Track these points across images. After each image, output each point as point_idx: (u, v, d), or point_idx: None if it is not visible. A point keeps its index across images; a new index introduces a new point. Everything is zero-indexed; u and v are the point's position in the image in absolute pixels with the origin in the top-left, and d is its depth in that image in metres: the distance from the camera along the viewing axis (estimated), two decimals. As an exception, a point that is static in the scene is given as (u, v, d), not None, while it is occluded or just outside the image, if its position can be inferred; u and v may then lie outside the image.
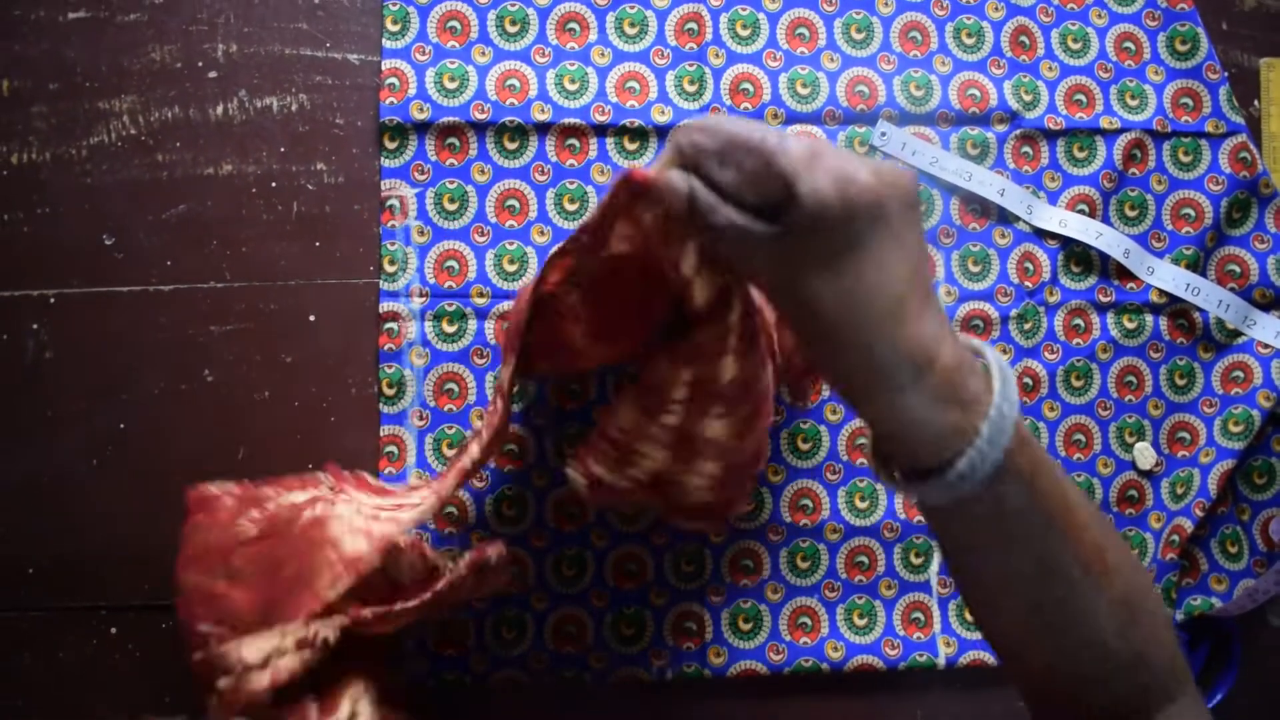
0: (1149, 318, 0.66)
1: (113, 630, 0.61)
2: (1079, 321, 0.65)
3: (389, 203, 0.62)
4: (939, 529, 0.40)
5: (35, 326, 0.61)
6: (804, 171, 0.34)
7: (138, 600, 0.61)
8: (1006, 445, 0.35)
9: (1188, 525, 0.63)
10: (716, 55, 0.64)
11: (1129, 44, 0.67)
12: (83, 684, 0.61)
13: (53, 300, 0.61)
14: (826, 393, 0.64)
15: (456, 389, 0.62)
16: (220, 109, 0.62)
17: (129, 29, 0.62)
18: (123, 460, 0.61)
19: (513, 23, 0.63)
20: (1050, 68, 0.66)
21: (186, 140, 0.62)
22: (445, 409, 0.62)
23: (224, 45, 0.63)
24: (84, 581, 0.61)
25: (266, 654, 0.46)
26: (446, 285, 0.62)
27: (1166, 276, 0.65)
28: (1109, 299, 0.65)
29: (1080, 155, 0.65)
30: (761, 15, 0.65)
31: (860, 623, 0.64)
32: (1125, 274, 0.65)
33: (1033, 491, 0.36)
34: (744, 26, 0.64)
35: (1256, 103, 0.68)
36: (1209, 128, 0.66)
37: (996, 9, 0.66)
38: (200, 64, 0.63)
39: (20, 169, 0.61)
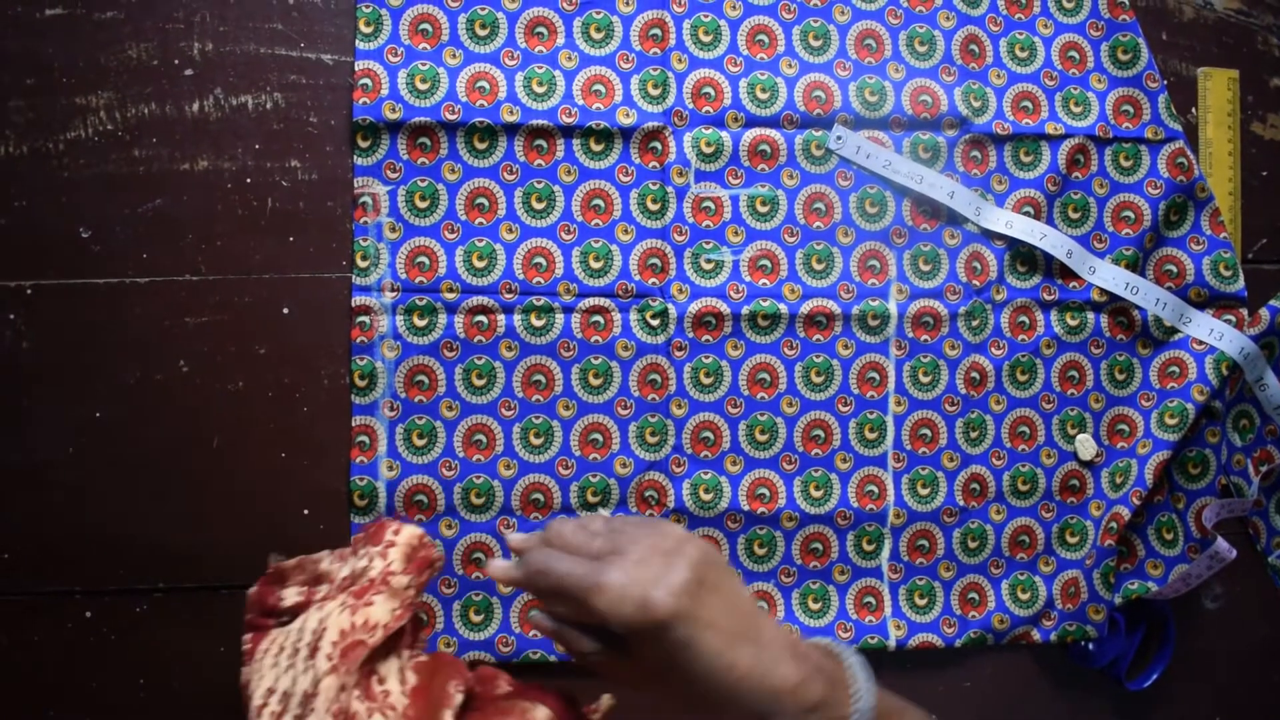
0: (1090, 315, 0.69)
1: (88, 614, 0.62)
2: (1024, 319, 0.68)
3: (361, 200, 0.64)
4: None
5: (12, 317, 0.62)
6: (613, 608, 0.40)
7: (113, 585, 0.62)
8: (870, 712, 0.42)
9: (1126, 513, 0.67)
10: (679, 60, 0.66)
11: (1073, 53, 0.70)
12: (58, 667, 0.62)
13: (30, 292, 0.63)
14: (784, 385, 0.66)
15: (426, 381, 0.64)
16: (196, 106, 0.64)
17: (106, 26, 0.64)
18: (98, 448, 0.62)
19: (482, 26, 0.65)
20: (999, 75, 0.69)
21: (163, 136, 0.64)
22: (415, 400, 0.64)
23: (200, 44, 0.64)
24: (59, 567, 0.62)
25: None
26: (417, 280, 0.64)
27: (1107, 276, 0.68)
28: (1053, 297, 0.68)
29: (1026, 160, 0.68)
30: (723, 22, 0.67)
31: (815, 606, 0.66)
32: (1068, 273, 0.68)
33: None
34: (706, 33, 0.67)
35: (1194, 110, 0.71)
36: (1149, 134, 0.69)
37: (948, 18, 0.69)
38: (176, 62, 0.64)
39: (-2, 163, 0.63)
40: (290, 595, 0.55)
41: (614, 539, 0.43)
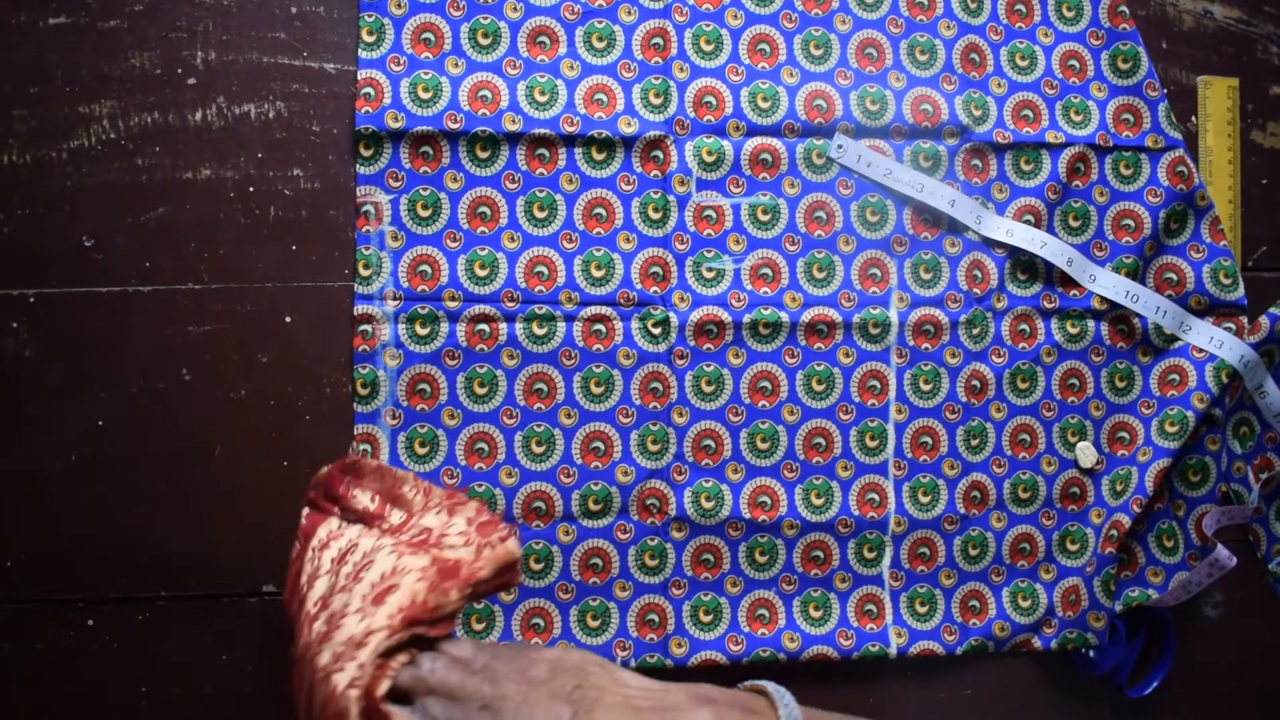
0: (1091, 323, 0.69)
1: (90, 622, 0.62)
2: (1025, 327, 0.68)
3: (364, 208, 0.64)
4: None
5: (15, 325, 0.62)
6: None
7: (115, 593, 0.62)
8: None
9: (1126, 521, 0.67)
10: (681, 69, 0.67)
11: (1074, 62, 0.70)
12: (61, 675, 0.62)
13: (33, 300, 0.63)
14: (785, 394, 0.67)
15: (428, 389, 0.64)
16: (199, 115, 0.64)
17: (109, 35, 0.64)
18: (101, 457, 0.62)
19: (485, 35, 0.66)
20: (999, 84, 0.69)
21: (166, 145, 0.64)
22: (417, 408, 0.64)
23: (203, 53, 0.64)
24: (62, 575, 0.62)
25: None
26: (419, 289, 0.64)
27: (1107, 284, 0.68)
28: (1053, 305, 0.69)
29: (1027, 168, 0.69)
30: (724, 31, 0.67)
31: (816, 614, 0.67)
32: (1068, 281, 0.69)
33: None
34: (707, 42, 0.67)
35: (1194, 119, 0.72)
36: (1149, 142, 0.70)
37: (948, 27, 0.69)
38: (179, 71, 0.64)
39: (1, 171, 0.63)
40: (362, 498, 0.53)
41: (491, 678, 0.45)
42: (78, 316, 0.63)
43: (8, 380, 0.62)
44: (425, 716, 0.44)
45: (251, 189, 0.64)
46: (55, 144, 0.63)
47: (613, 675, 0.46)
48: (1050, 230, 0.69)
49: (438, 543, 0.49)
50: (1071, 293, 0.69)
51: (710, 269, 0.66)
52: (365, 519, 0.52)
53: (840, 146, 0.67)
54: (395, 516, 0.52)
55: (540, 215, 0.65)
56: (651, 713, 0.44)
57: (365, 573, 0.47)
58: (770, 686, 0.47)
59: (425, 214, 0.65)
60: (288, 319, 0.64)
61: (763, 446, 0.66)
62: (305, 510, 0.54)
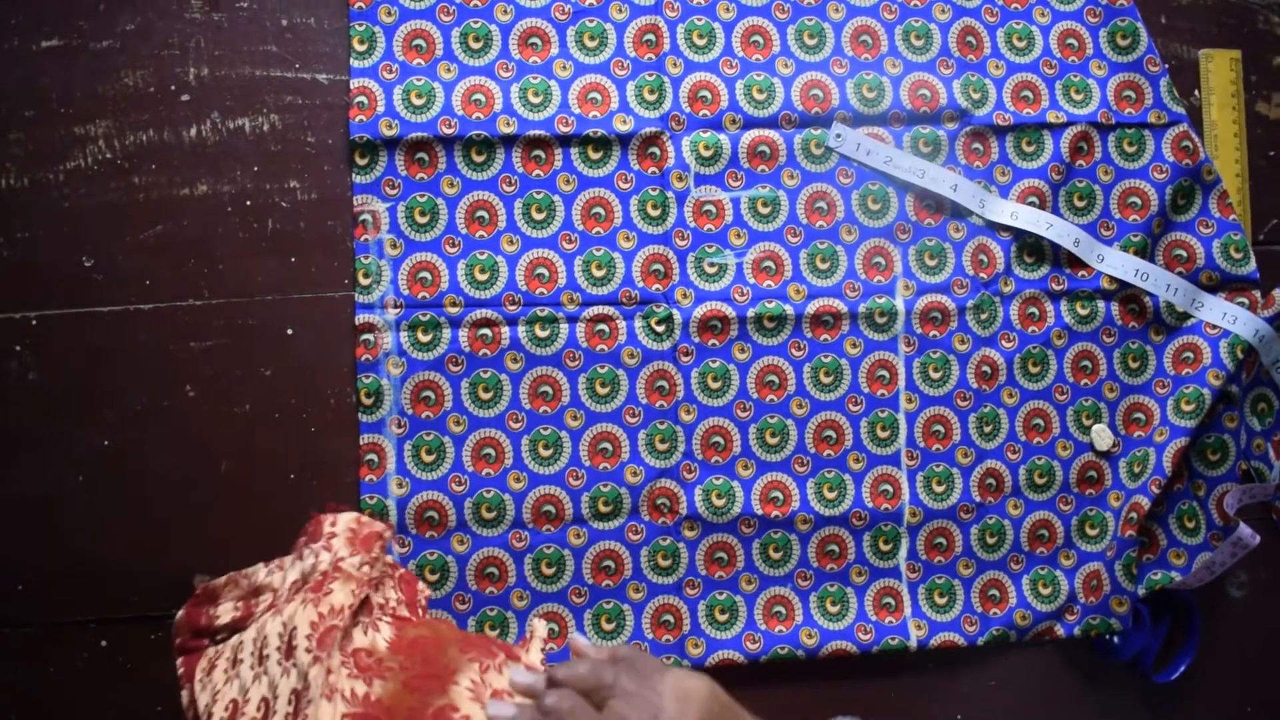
0: (1101, 304, 0.68)
1: (103, 643, 0.62)
2: (1034, 310, 0.67)
3: (361, 217, 0.64)
4: None
5: (18, 348, 0.62)
6: None
7: (127, 613, 0.62)
8: None
9: (1145, 503, 0.66)
10: (674, 65, 0.66)
11: (1072, 40, 0.69)
12: (74, 697, 0.62)
13: (35, 322, 0.63)
14: (793, 387, 0.66)
15: (433, 396, 0.64)
16: (194, 131, 0.64)
17: (101, 56, 0.64)
18: (108, 476, 0.62)
19: (476, 39, 0.65)
20: (997, 66, 0.69)
21: (161, 162, 0.64)
22: (423, 416, 0.64)
23: (195, 69, 0.64)
24: (74, 596, 0.62)
25: None
26: (420, 296, 0.64)
27: (1116, 263, 0.67)
28: (1062, 287, 0.68)
29: (1029, 149, 0.68)
30: (717, 25, 0.67)
31: (833, 609, 0.66)
32: (1076, 262, 0.68)
33: None
34: (700, 36, 0.67)
35: (1196, 93, 0.71)
36: (1152, 118, 0.69)
37: (943, 11, 0.68)
38: (173, 88, 0.64)
39: (-1, 195, 0.63)
40: (225, 612, 0.55)
41: (611, 711, 0.43)
42: (80, 337, 0.63)
43: (13, 403, 0.62)
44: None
45: (248, 202, 0.64)
46: (52, 166, 0.63)
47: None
48: (1055, 211, 0.68)
49: (312, 574, 0.52)
50: (1080, 274, 0.68)
51: (712, 264, 0.66)
52: (236, 627, 0.54)
53: (839, 135, 0.67)
54: (264, 601, 0.54)
55: (539, 217, 0.65)
56: None
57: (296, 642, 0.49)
58: None
59: (423, 220, 0.64)
60: (289, 331, 0.64)
61: (772, 441, 0.66)
62: (179, 661, 0.55)
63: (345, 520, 0.55)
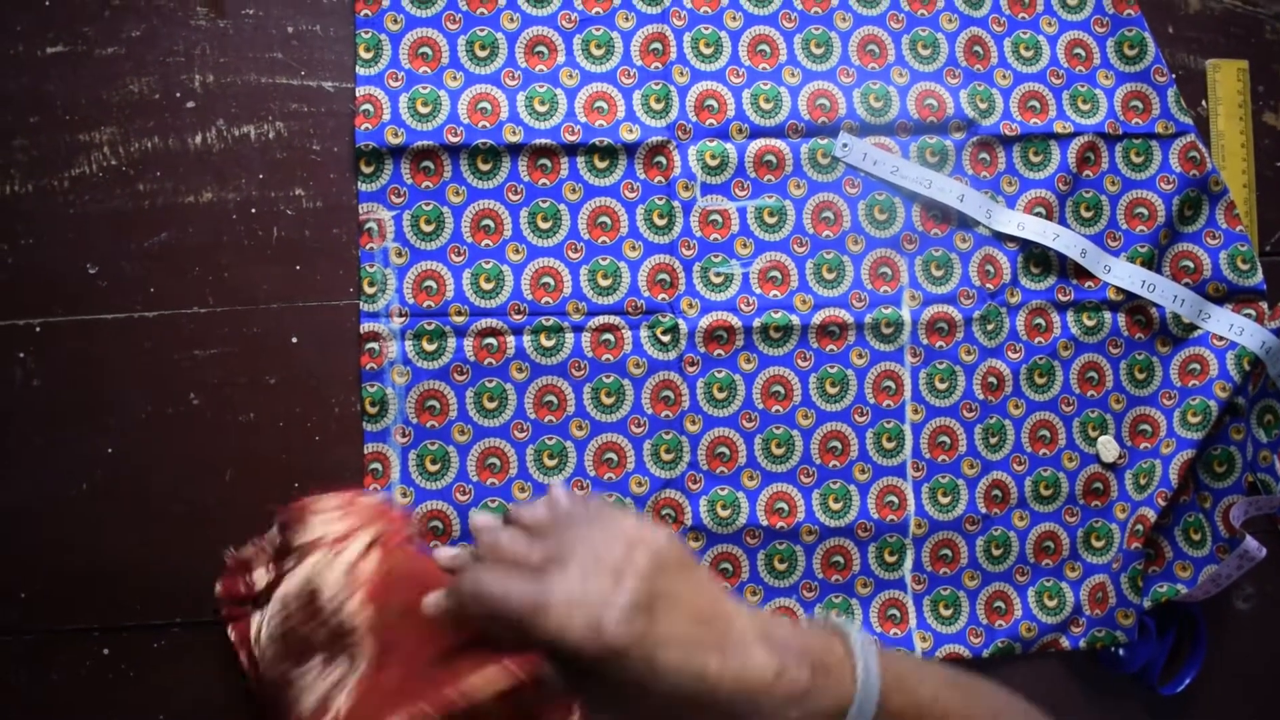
0: (1107, 315, 0.68)
1: (105, 651, 0.62)
2: (1040, 321, 0.67)
3: (367, 226, 0.64)
4: None
5: (22, 355, 0.62)
6: (560, 634, 0.37)
7: (130, 621, 0.62)
8: (877, 695, 0.39)
9: (1151, 515, 0.65)
10: (681, 74, 0.66)
11: (1079, 50, 0.69)
12: (76, 704, 0.62)
13: (39, 329, 0.62)
14: (799, 398, 0.66)
15: (438, 406, 0.63)
16: (199, 138, 0.64)
17: (107, 62, 0.64)
18: (111, 484, 0.62)
19: (482, 47, 0.65)
20: (1004, 75, 0.68)
21: (166, 169, 0.64)
22: (427, 425, 0.63)
23: (201, 76, 0.64)
24: (76, 604, 0.62)
25: None
26: (425, 305, 0.64)
27: (1123, 274, 0.67)
28: (1068, 298, 0.67)
29: (1036, 160, 0.68)
30: (724, 33, 0.67)
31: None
32: (1083, 273, 0.68)
33: (907, 708, 0.40)
34: (707, 45, 0.66)
35: (1204, 103, 0.71)
36: (1159, 129, 0.68)
37: (950, 20, 0.68)
38: (178, 95, 0.64)
39: (3, 201, 0.63)
40: (260, 577, 0.57)
41: (557, 544, 0.40)
42: (84, 344, 0.62)
43: (16, 410, 0.62)
44: (455, 591, 0.41)
45: (254, 210, 0.64)
46: (57, 173, 0.63)
47: (689, 578, 0.40)
48: (1062, 222, 0.68)
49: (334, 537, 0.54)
50: (1086, 284, 0.68)
51: (718, 274, 0.65)
52: (272, 590, 0.55)
53: (845, 145, 0.66)
54: (290, 562, 0.55)
55: (544, 226, 0.65)
56: (711, 645, 0.38)
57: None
58: (853, 635, 0.41)
59: (428, 229, 0.64)
60: (294, 339, 0.64)
61: (778, 452, 0.65)
62: (229, 629, 0.57)
63: (368, 501, 0.56)
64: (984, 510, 0.66)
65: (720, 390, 0.65)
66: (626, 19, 0.66)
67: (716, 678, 0.37)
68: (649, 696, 0.37)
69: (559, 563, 0.39)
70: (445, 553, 0.44)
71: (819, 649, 0.40)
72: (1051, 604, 0.66)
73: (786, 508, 0.65)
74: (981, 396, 0.67)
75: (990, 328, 0.67)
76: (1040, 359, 0.67)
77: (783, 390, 0.66)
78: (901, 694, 0.40)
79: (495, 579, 0.39)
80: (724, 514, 0.64)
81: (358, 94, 0.64)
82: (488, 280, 0.64)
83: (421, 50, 0.65)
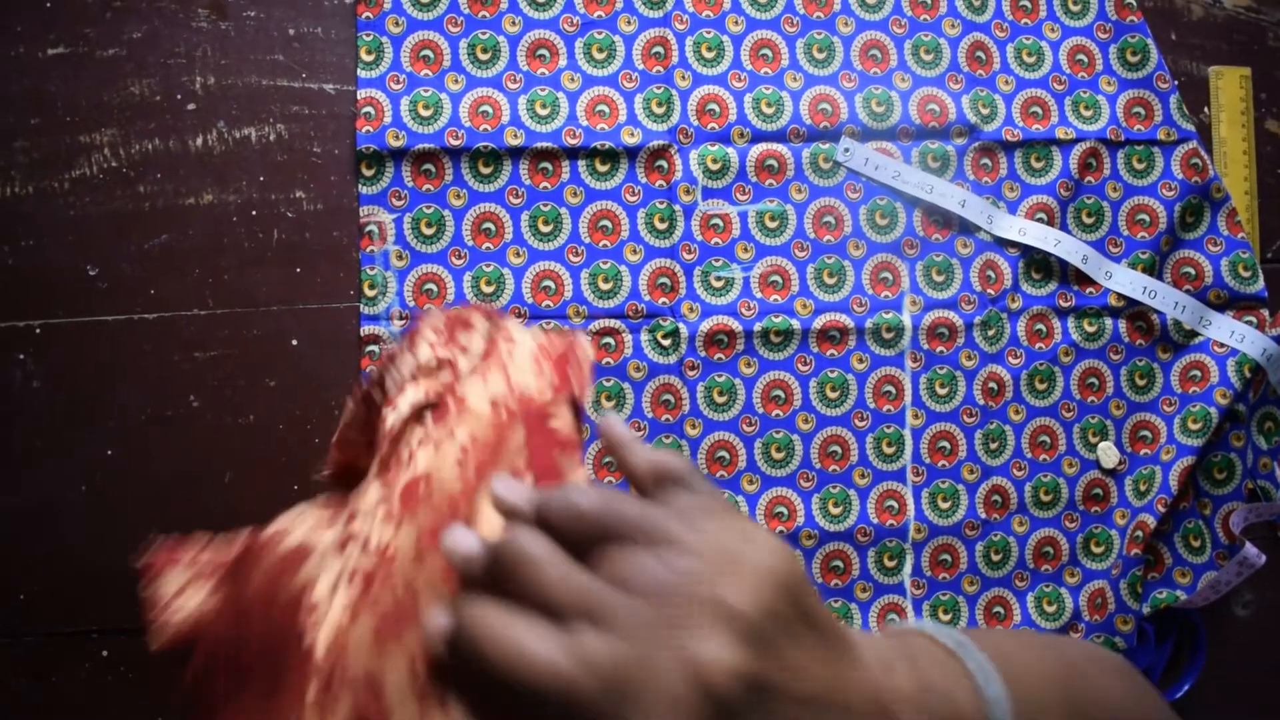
0: (1108, 321, 0.68)
1: (105, 654, 0.62)
2: (1041, 326, 0.67)
3: (367, 228, 0.64)
4: None
5: (22, 357, 0.62)
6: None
7: (129, 624, 0.62)
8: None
9: (1151, 521, 0.65)
10: (683, 78, 0.66)
11: (1081, 56, 0.69)
12: (76, 708, 0.62)
13: (39, 331, 0.62)
14: (799, 402, 0.66)
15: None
16: (200, 140, 0.64)
17: (108, 64, 0.64)
18: (111, 486, 0.62)
19: (484, 50, 0.65)
20: (1006, 81, 0.68)
21: (167, 171, 0.64)
22: (427, 428, 0.63)
23: (202, 78, 0.64)
24: (76, 607, 0.62)
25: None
26: (426, 308, 0.64)
27: (1124, 280, 0.67)
28: (1069, 304, 0.67)
29: (1037, 165, 0.68)
30: (725, 38, 0.67)
31: (837, 625, 0.65)
32: (1084, 279, 0.67)
33: None
34: (709, 49, 0.66)
35: (1206, 110, 0.70)
36: (1161, 135, 0.68)
37: (953, 26, 0.68)
38: (179, 96, 0.64)
39: (4, 202, 0.63)
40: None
41: (614, 582, 0.26)
42: (84, 346, 0.62)
43: (16, 411, 0.62)
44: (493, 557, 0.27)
45: (254, 212, 0.64)
46: (57, 174, 0.63)
47: (808, 631, 0.26)
48: (1064, 228, 0.67)
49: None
50: (1088, 290, 0.68)
51: (719, 278, 0.65)
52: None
53: (847, 150, 0.66)
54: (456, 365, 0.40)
55: (545, 229, 0.65)
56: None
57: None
58: (971, 664, 0.31)
59: (429, 232, 0.64)
60: (294, 342, 0.64)
61: (778, 456, 0.65)
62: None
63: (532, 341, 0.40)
64: (984, 515, 0.66)
65: (720, 394, 0.65)
66: (628, 23, 0.66)
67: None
68: None
69: (608, 620, 0.25)
70: (461, 544, 0.28)
71: (938, 688, 0.30)
72: (1050, 609, 0.66)
73: (786, 512, 0.65)
74: (982, 402, 0.66)
75: (991, 333, 0.67)
76: (1041, 364, 0.67)
77: (783, 394, 0.65)
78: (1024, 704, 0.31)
79: (501, 628, 0.25)
80: None
81: (359, 96, 0.64)
82: (488, 283, 0.64)
83: (423, 53, 0.65)
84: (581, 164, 0.65)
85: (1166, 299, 0.67)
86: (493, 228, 0.65)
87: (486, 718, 0.26)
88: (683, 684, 0.24)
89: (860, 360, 0.66)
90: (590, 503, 0.27)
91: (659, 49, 0.66)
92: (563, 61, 0.66)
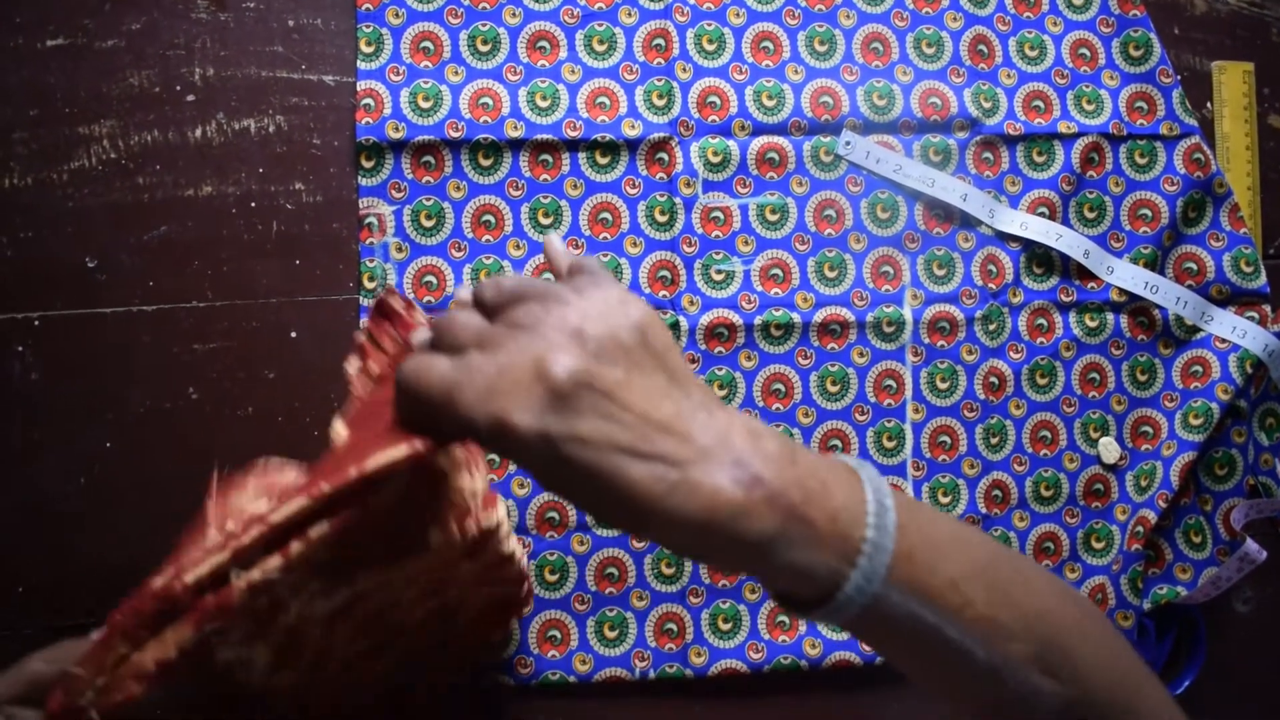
0: (1110, 316, 0.68)
1: (103, 646, 0.62)
2: (1042, 321, 0.67)
3: (367, 220, 0.64)
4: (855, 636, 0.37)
5: (20, 349, 0.62)
6: (467, 422, 0.32)
7: (127, 616, 0.62)
8: (883, 572, 0.33)
9: (1152, 517, 0.65)
10: (684, 70, 0.66)
11: (1084, 50, 0.69)
12: (74, 700, 0.62)
13: (37, 322, 0.62)
14: (799, 396, 0.65)
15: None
16: (199, 132, 0.64)
17: (107, 55, 0.63)
18: (110, 478, 0.62)
19: (484, 42, 0.65)
20: (1009, 75, 0.68)
21: (166, 163, 0.63)
22: (426, 421, 0.63)
23: (201, 69, 0.64)
24: (74, 599, 0.62)
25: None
26: (425, 300, 0.63)
27: (1126, 275, 0.67)
28: (1070, 299, 0.67)
29: (1039, 159, 0.67)
30: (727, 30, 0.66)
31: (837, 620, 0.65)
32: (1086, 274, 0.67)
33: (914, 594, 0.33)
34: (710, 41, 0.66)
35: (1209, 105, 0.70)
36: (1163, 130, 0.68)
37: (955, 19, 0.68)
38: (178, 88, 0.64)
39: (3, 194, 0.62)
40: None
41: (505, 321, 0.34)
42: (83, 338, 0.62)
43: (15, 404, 0.62)
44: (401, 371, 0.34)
45: (253, 204, 0.64)
46: (56, 165, 0.63)
47: (648, 370, 0.33)
48: (1065, 222, 0.67)
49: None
50: (1089, 285, 0.67)
51: (719, 271, 0.65)
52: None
53: (848, 143, 0.66)
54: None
55: (545, 222, 0.65)
56: (642, 453, 0.31)
57: None
58: (868, 482, 0.34)
59: (429, 224, 0.64)
60: (293, 334, 0.63)
61: (778, 450, 0.65)
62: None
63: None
64: (984, 510, 0.66)
65: (720, 387, 0.65)
66: (629, 14, 0.66)
67: (644, 494, 0.31)
68: (577, 497, 0.32)
69: (492, 344, 0.33)
70: (420, 335, 0.39)
71: (814, 488, 0.32)
72: (1051, 605, 0.66)
73: (786, 507, 0.65)
74: (983, 396, 0.66)
75: (992, 328, 0.66)
76: (1042, 359, 0.67)
77: (783, 388, 0.65)
78: (912, 570, 0.33)
79: (421, 361, 0.34)
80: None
81: (359, 88, 0.64)
82: (488, 276, 0.64)
83: (423, 44, 0.64)
84: (582, 156, 0.65)
85: (1168, 294, 0.67)
86: (492, 220, 0.64)
87: (420, 428, 0.35)
88: (528, 375, 0.31)
89: (861, 354, 0.66)
90: (510, 280, 0.35)
91: (660, 41, 0.66)
92: (563, 53, 0.65)
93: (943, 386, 0.66)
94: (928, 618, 0.34)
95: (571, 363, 0.32)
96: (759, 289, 0.65)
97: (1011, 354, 0.67)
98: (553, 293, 0.34)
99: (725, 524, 0.31)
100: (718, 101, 0.66)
